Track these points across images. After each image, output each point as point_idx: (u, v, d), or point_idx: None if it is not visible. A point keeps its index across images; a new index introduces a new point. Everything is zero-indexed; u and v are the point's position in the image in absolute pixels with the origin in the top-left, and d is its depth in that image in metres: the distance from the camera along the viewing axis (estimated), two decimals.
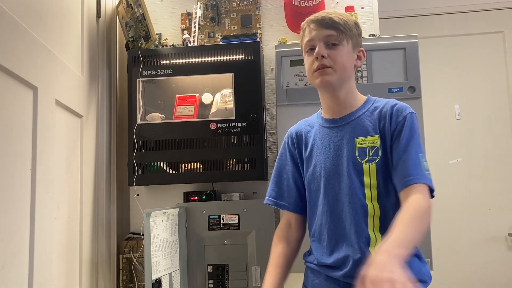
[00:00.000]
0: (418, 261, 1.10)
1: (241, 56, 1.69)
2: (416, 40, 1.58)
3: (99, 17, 1.74)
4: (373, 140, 1.11)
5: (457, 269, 2.32)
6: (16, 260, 1.09)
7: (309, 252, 1.23)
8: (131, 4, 1.75)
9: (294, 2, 1.76)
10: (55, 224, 1.31)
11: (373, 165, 1.09)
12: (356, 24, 1.16)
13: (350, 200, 1.09)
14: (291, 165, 1.23)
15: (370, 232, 1.08)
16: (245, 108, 1.65)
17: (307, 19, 1.16)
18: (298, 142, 1.22)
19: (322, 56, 1.10)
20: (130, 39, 1.77)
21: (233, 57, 1.69)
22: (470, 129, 2.41)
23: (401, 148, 1.07)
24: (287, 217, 1.24)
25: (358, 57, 1.17)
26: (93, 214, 1.62)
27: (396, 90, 1.56)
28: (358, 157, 1.10)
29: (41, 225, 1.20)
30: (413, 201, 1.00)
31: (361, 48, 1.18)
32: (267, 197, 1.25)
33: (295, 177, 1.22)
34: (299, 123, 1.27)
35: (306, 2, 1.74)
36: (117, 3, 1.85)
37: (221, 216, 1.61)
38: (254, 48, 1.69)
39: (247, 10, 1.89)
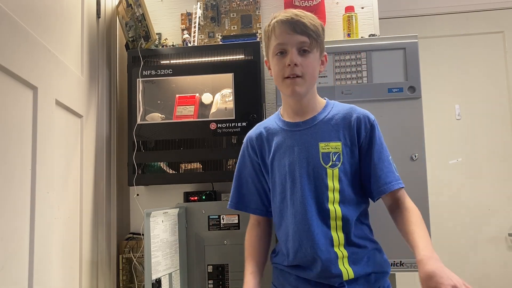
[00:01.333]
0: (378, 253, 1.17)
1: (241, 56, 1.69)
2: (416, 40, 1.58)
3: (99, 17, 1.74)
4: (336, 146, 1.14)
5: (457, 269, 2.31)
6: (16, 260, 1.09)
7: (276, 253, 1.25)
8: (131, 4, 1.75)
9: (294, 2, 1.76)
10: (55, 224, 1.31)
11: (336, 170, 1.13)
12: (323, 29, 1.17)
13: (314, 202, 1.12)
14: (251, 170, 1.24)
15: (333, 233, 1.11)
16: (245, 108, 1.65)
17: (277, 18, 1.14)
18: (259, 146, 1.23)
19: (295, 64, 1.10)
20: (130, 39, 1.77)
21: (233, 57, 1.70)
22: (470, 129, 2.41)
23: (375, 156, 1.14)
24: (254, 218, 1.28)
25: (322, 62, 1.19)
26: (93, 214, 1.62)
27: (396, 90, 1.56)
28: (322, 161, 1.13)
29: (41, 225, 1.20)
30: (411, 206, 1.13)
31: (325, 53, 1.20)
32: (229, 202, 1.28)
33: (255, 181, 1.24)
34: (256, 126, 1.28)
35: (306, 2, 1.74)
36: (117, 3, 1.85)
37: (221, 216, 1.61)
38: (254, 48, 1.69)
39: (247, 10, 1.89)
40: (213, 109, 1.73)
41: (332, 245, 1.11)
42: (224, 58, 1.70)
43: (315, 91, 1.21)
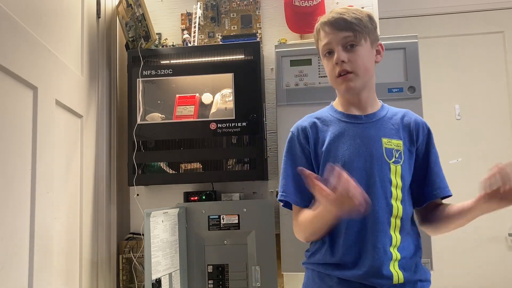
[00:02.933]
0: (420, 261, 1.14)
1: (241, 56, 1.69)
2: (416, 40, 1.58)
3: (99, 17, 1.74)
4: (398, 144, 1.13)
5: (457, 269, 2.31)
6: (16, 260, 1.09)
7: (311, 252, 1.16)
8: (131, 4, 1.75)
9: (294, 2, 1.76)
10: (55, 224, 1.31)
11: (398, 167, 1.11)
12: (370, 18, 1.14)
13: (378, 198, 1.07)
14: (303, 159, 1.16)
15: (392, 232, 1.07)
16: (245, 108, 1.65)
17: (320, 21, 1.14)
18: (314, 134, 1.16)
19: (342, 61, 1.09)
20: (130, 39, 1.77)
21: (233, 57, 1.69)
22: (470, 129, 2.41)
23: (432, 160, 1.14)
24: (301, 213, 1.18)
25: (377, 52, 1.16)
26: (93, 214, 1.62)
27: (396, 90, 1.56)
28: (385, 157, 1.10)
29: (41, 225, 1.20)
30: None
31: (379, 42, 1.16)
32: (283, 193, 1.16)
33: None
34: (307, 117, 1.22)
35: (306, 2, 1.74)
36: (117, 3, 1.85)
37: (221, 216, 1.60)
38: (254, 48, 1.69)
39: (247, 10, 1.89)
40: (213, 109, 1.73)
41: (390, 245, 1.06)
42: (224, 58, 1.69)
43: (372, 87, 1.17)
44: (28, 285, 1.14)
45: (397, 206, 1.08)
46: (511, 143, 2.38)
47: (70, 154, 1.46)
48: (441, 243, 2.25)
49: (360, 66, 1.10)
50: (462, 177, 2.39)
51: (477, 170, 2.36)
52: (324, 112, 1.21)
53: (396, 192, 1.09)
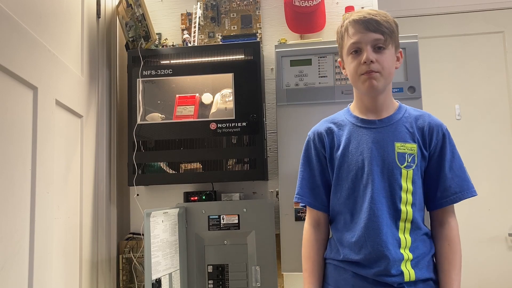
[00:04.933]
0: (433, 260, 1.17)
1: (241, 56, 1.69)
2: (416, 40, 1.58)
3: (99, 17, 1.74)
4: (412, 148, 1.14)
5: None
6: (16, 260, 1.09)
7: (328, 249, 1.22)
8: (131, 4, 1.75)
9: (294, 2, 1.76)
10: (55, 224, 1.31)
11: (410, 171, 1.13)
12: (397, 25, 1.17)
13: (386, 201, 1.12)
14: (318, 164, 1.22)
15: (401, 235, 1.11)
16: (245, 108, 1.65)
17: (350, 18, 1.15)
18: (329, 139, 1.21)
19: (371, 61, 1.11)
20: (130, 39, 1.77)
21: (233, 57, 1.69)
22: (470, 129, 2.41)
23: (446, 164, 1.14)
24: (315, 217, 1.23)
25: (397, 59, 1.19)
26: (93, 214, 1.62)
27: (396, 90, 1.56)
28: (397, 161, 1.13)
29: (41, 225, 1.20)
30: (454, 234, 1.14)
31: (400, 49, 1.20)
32: (298, 195, 1.23)
33: (321, 175, 1.22)
34: (323, 121, 1.26)
35: (306, 2, 1.74)
36: (117, 3, 1.85)
37: (221, 216, 1.60)
38: (254, 48, 1.69)
39: (247, 10, 1.89)
40: (213, 109, 1.73)
41: (399, 247, 1.10)
42: (224, 58, 1.69)
43: (390, 90, 1.20)
44: (28, 285, 1.14)
45: (406, 210, 1.11)
46: (511, 143, 2.38)
47: (70, 154, 1.46)
48: None
49: (386, 68, 1.13)
50: None
51: (477, 170, 2.37)
52: (340, 115, 1.25)
53: (406, 197, 1.12)
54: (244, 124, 1.64)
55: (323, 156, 1.22)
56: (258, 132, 1.64)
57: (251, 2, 1.88)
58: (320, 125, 1.25)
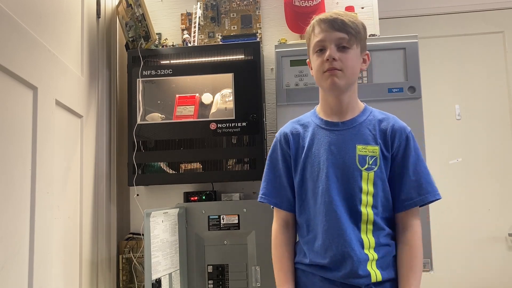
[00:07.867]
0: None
1: (241, 56, 1.69)
2: (416, 40, 1.58)
3: (99, 17, 1.74)
4: (374, 150, 1.14)
5: (457, 269, 2.32)
6: (16, 260, 1.09)
7: (295, 253, 1.23)
8: (131, 4, 1.75)
9: (294, 2, 1.76)
10: (55, 224, 1.31)
11: (371, 173, 1.13)
12: (364, 27, 1.19)
13: (346, 203, 1.12)
14: (284, 164, 1.23)
15: (363, 235, 1.12)
16: (245, 108, 1.65)
17: (317, 18, 1.17)
18: (294, 141, 1.22)
19: (334, 59, 1.11)
20: (130, 39, 1.77)
21: (233, 57, 1.69)
22: (470, 129, 2.41)
23: (409, 167, 1.14)
24: (284, 217, 1.24)
25: (364, 61, 1.20)
26: (93, 214, 1.62)
27: (396, 90, 1.56)
28: (358, 164, 1.13)
29: (41, 225, 1.20)
30: (416, 238, 1.13)
31: (367, 52, 1.21)
32: (263, 196, 1.24)
33: (287, 176, 1.22)
34: (290, 122, 1.27)
35: (306, 2, 1.74)
36: (117, 3, 1.85)
37: (221, 216, 1.60)
38: (254, 48, 1.69)
39: (247, 10, 1.89)
40: (213, 109, 1.73)
41: (363, 247, 1.11)
42: (224, 58, 1.69)
43: (355, 91, 1.20)
44: (28, 285, 1.14)
45: (367, 212, 1.12)
46: (511, 143, 2.38)
47: (70, 154, 1.46)
48: (441, 243, 2.25)
49: (349, 67, 1.13)
50: (461, 177, 2.40)
51: (477, 170, 2.38)
52: (307, 117, 1.25)
53: (367, 199, 1.12)
54: (244, 124, 1.64)
55: (289, 156, 1.22)
56: (258, 132, 1.64)
57: (251, 2, 1.88)
58: (287, 126, 1.26)
